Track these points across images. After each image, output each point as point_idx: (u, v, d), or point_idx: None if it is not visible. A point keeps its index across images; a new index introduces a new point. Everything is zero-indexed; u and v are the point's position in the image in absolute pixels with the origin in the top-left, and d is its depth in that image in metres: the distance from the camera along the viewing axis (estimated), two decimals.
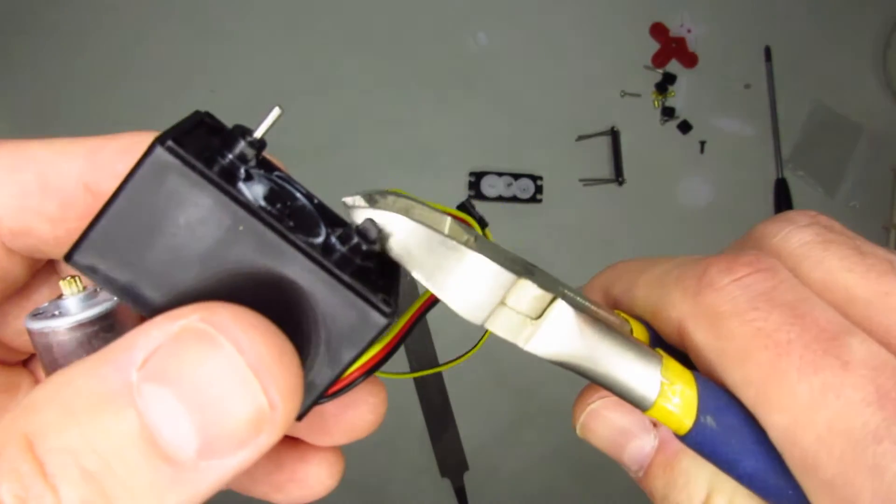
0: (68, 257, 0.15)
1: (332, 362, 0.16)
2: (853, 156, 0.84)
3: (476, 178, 0.81)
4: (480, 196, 0.81)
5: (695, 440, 0.16)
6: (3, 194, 0.17)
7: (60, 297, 0.18)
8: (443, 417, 0.81)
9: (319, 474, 0.21)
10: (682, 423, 0.16)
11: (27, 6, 0.82)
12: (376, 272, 0.17)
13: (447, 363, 0.26)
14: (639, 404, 0.17)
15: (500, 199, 0.81)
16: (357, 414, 0.20)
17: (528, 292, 0.17)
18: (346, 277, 0.15)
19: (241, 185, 0.15)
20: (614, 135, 0.82)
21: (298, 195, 0.17)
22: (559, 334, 0.17)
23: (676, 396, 0.16)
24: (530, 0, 0.84)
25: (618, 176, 0.82)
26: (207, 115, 0.17)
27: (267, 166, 0.17)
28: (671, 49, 0.83)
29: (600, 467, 0.83)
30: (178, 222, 0.15)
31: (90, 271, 0.15)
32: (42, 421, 0.13)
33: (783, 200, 0.83)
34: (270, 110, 0.16)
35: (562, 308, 0.17)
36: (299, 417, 0.17)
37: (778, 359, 0.15)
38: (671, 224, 0.83)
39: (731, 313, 0.16)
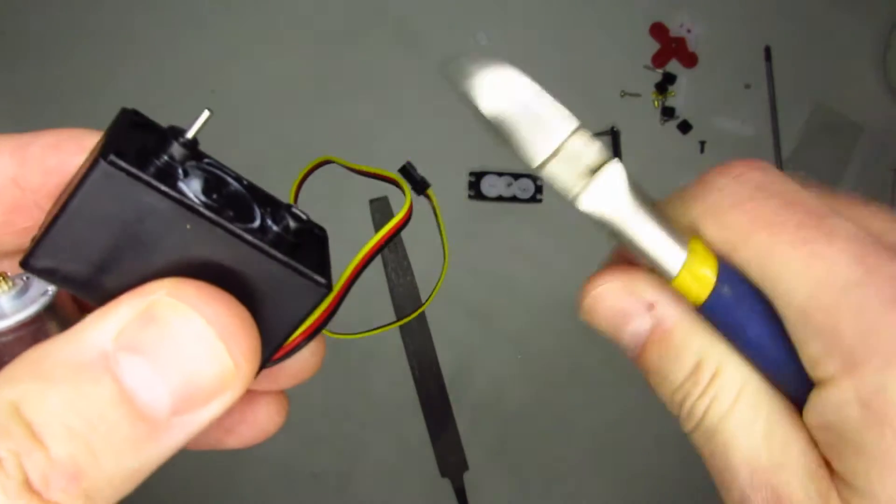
0: (24, 263, 0.16)
1: (281, 326, 0.19)
2: (853, 156, 0.84)
3: (476, 178, 0.81)
4: (480, 196, 0.81)
5: (711, 308, 0.19)
6: None
7: None
8: (443, 417, 0.81)
9: (268, 412, 0.23)
10: (700, 293, 0.19)
11: (21, 4, 0.82)
12: (308, 245, 0.19)
13: (404, 318, 0.28)
14: (666, 272, 0.19)
15: (500, 199, 0.81)
16: (301, 358, 0.22)
17: (591, 143, 0.20)
18: (282, 257, 0.17)
19: (181, 184, 0.17)
20: (614, 135, 0.82)
21: (229, 179, 0.19)
22: (611, 190, 0.20)
23: (700, 268, 0.19)
24: (530, 0, 0.84)
25: None
26: (135, 112, 0.19)
27: (197, 156, 0.19)
28: (671, 49, 0.83)
29: (599, 465, 0.83)
30: (128, 222, 0.16)
31: (48, 273, 0.16)
32: (25, 389, 0.14)
33: None
34: (202, 113, 0.18)
35: (617, 167, 0.20)
36: (256, 372, 0.19)
37: (774, 237, 0.17)
38: None
39: (732, 205, 0.18)
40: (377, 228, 0.19)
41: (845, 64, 0.85)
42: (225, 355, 0.16)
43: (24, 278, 0.18)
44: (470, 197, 0.82)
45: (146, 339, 0.15)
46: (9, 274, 0.18)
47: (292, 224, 0.18)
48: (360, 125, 0.83)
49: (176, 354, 0.15)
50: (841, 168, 0.84)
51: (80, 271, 0.17)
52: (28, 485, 0.14)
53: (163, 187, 0.16)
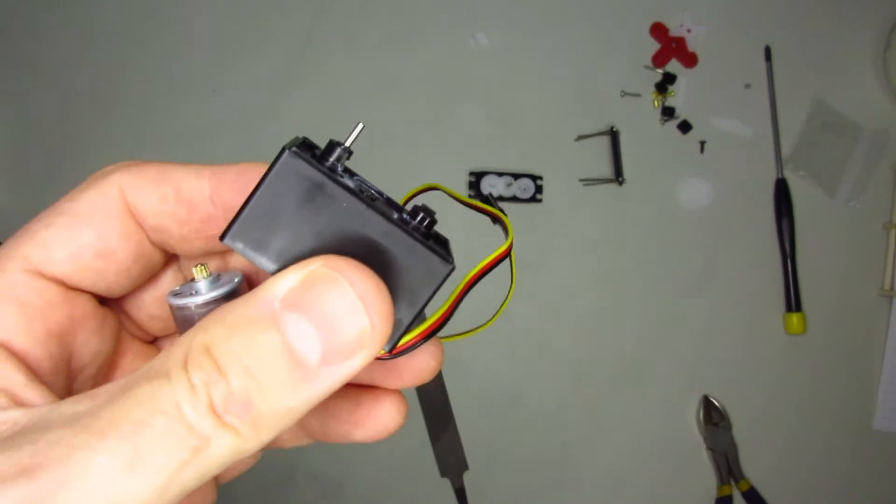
0: (222, 237, 0.21)
1: (412, 304, 0.22)
2: (853, 156, 0.84)
3: (476, 178, 0.81)
4: (480, 196, 0.81)
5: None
6: (150, 199, 0.23)
7: (192, 280, 0.23)
8: (443, 417, 0.81)
9: (391, 411, 0.27)
10: None
11: (22, 10, 0.82)
12: (435, 239, 0.23)
13: (470, 331, 0.32)
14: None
15: (500, 199, 0.81)
16: (421, 360, 0.27)
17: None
18: (419, 237, 0.21)
19: (340, 178, 0.21)
20: (614, 135, 0.82)
21: (374, 192, 0.23)
22: None
23: None
24: (530, 0, 0.84)
25: (618, 176, 0.82)
26: (306, 138, 0.23)
27: (350, 173, 0.23)
28: (671, 49, 0.83)
29: (599, 465, 0.83)
30: (300, 205, 0.21)
31: (237, 247, 0.21)
32: (214, 334, 0.18)
33: (783, 200, 0.83)
34: (356, 126, 0.23)
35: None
36: (391, 350, 0.23)
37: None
38: (671, 224, 0.83)
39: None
40: None
41: (845, 64, 0.85)
42: (363, 315, 0.19)
43: (218, 274, 0.24)
44: (470, 197, 0.82)
45: (305, 299, 0.19)
46: (207, 265, 0.23)
47: (426, 220, 0.22)
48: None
49: (326, 312, 0.19)
50: (841, 168, 0.84)
51: (259, 246, 0.21)
52: (212, 407, 0.18)
53: (327, 171, 0.21)
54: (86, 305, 0.23)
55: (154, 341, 0.28)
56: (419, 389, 0.80)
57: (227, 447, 0.18)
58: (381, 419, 0.27)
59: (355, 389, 0.27)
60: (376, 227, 0.21)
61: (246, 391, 0.18)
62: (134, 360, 0.26)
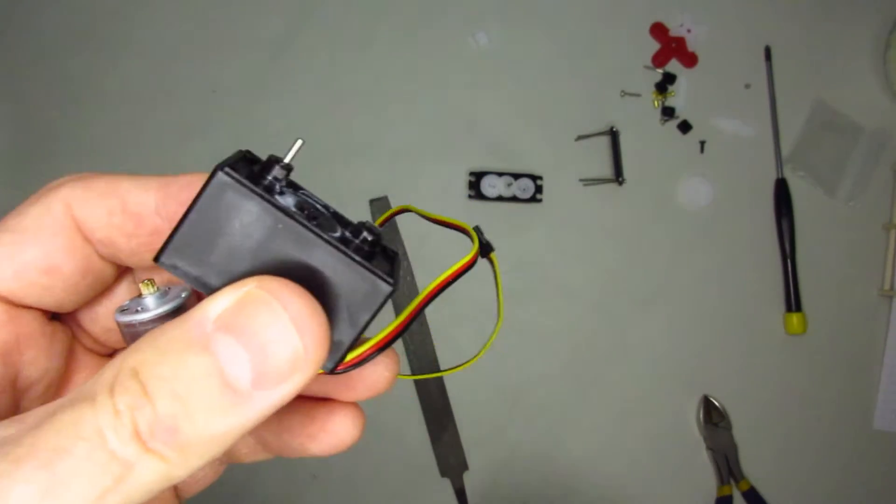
0: (156, 259, 0.21)
1: (352, 325, 0.22)
2: (853, 156, 0.84)
3: (476, 178, 0.81)
4: (480, 196, 0.81)
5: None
6: (97, 213, 0.23)
7: (140, 296, 0.23)
8: (443, 417, 0.81)
9: (346, 424, 0.26)
10: None
11: (16, 9, 0.82)
12: (380, 257, 0.22)
13: (450, 369, 0.31)
14: None
15: (500, 199, 0.81)
16: (376, 371, 0.26)
17: None
18: (358, 258, 0.21)
19: (278, 197, 0.21)
20: (614, 135, 0.82)
21: (318, 206, 0.23)
22: None
23: None
24: (530, 0, 0.84)
25: (618, 176, 0.82)
26: (248, 152, 0.23)
27: (295, 187, 0.23)
28: (671, 49, 0.83)
29: (599, 465, 0.83)
30: (234, 226, 0.20)
31: (172, 268, 0.21)
32: (143, 357, 0.18)
33: (783, 200, 0.83)
34: (294, 143, 0.22)
35: None
36: (332, 371, 0.22)
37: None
38: (671, 224, 0.83)
39: None
40: None
41: (845, 64, 0.85)
42: (296, 338, 0.19)
43: (167, 288, 0.24)
44: (470, 197, 0.82)
45: (237, 321, 0.19)
46: (155, 281, 0.23)
47: (369, 237, 0.22)
48: (360, 125, 0.83)
49: (258, 335, 0.18)
50: (841, 168, 0.84)
51: (194, 268, 0.21)
52: (137, 433, 0.17)
53: (261, 192, 0.20)
54: (32, 322, 0.23)
55: (112, 354, 0.27)
56: (419, 390, 0.80)
57: (153, 473, 0.17)
58: (336, 433, 0.26)
59: (309, 402, 0.27)
60: (313, 248, 0.21)
61: (173, 416, 0.18)
62: (88, 376, 0.26)
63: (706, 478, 0.82)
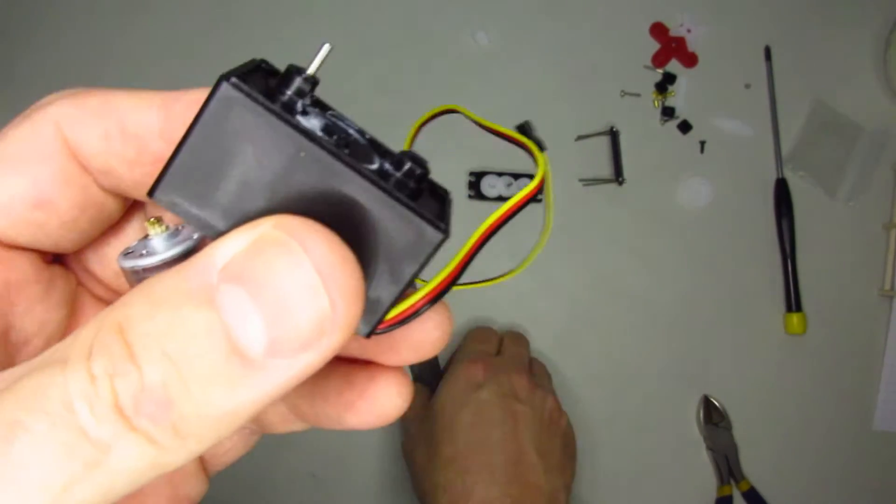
0: (150, 194, 0.17)
1: (394, 279, 0.17)
2: (853, 156, 0.84)
3: (476, 178, 0.81)
4: (480, 196, 0.81)
5: None
6: (91, 136, 0.19)
7: (147, 237, 0.19)
8: None
9: (389, 393, 0.22)
10: None
11: (19, 7, 0.82)
12: (427, 196, 0.18)
13: (496, 277, 0.27)
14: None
15: (500, 199, 0.81)
16: (423, 329, 0.21)
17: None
18: (402, 197, 0.17)
19: (300, 118, 0.17)
20: (614, 135, 0.82)
21: (351, 131, 0.19)
22: None
23: None
24: (530, 0, 0.84)
25: (618, 176, 0.82)
26: (263, 61, 0.19)
27: (321, 107, 0.18)
28: (671, 49, 0.83)
29: (602, 463, 0.83)
30: (245, 154, 0.16)
31: (170, 205, 0.17)
32: (132, 311, 0.15)
33: (783, 200, 0.83)
34: (321, 47, 0.18)
35: None
36: (369, 334, 0.18)
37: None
38: (671, 224, 0.83)
39: None
40: None
41: (845, 64, 0.85)
42: (322, 293, 0.15)
43: (179, 227, 0.20)
44: (470, 197, 0.82)
45: (249, 269, 0.15)
46: (163, 219, 0.19)
47: (416, 171, 0.17)
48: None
49: (273, 288, 0.14)
50: (841, 168, 0.84)
51: (198, 206, 0.17)
52: (118, 408, 0.14)
53: (278, 109, 0.16)
54: (25, 266, 0.20)
55: None
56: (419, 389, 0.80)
57: (136, 460, 0.14)
58: (378, 401, 0.22)
59: (346, 364, 0.22)
60: (344, 183, 0.16)
61: (164, 386, 0.14)
62: None
63: (706, 478, 0.82)
